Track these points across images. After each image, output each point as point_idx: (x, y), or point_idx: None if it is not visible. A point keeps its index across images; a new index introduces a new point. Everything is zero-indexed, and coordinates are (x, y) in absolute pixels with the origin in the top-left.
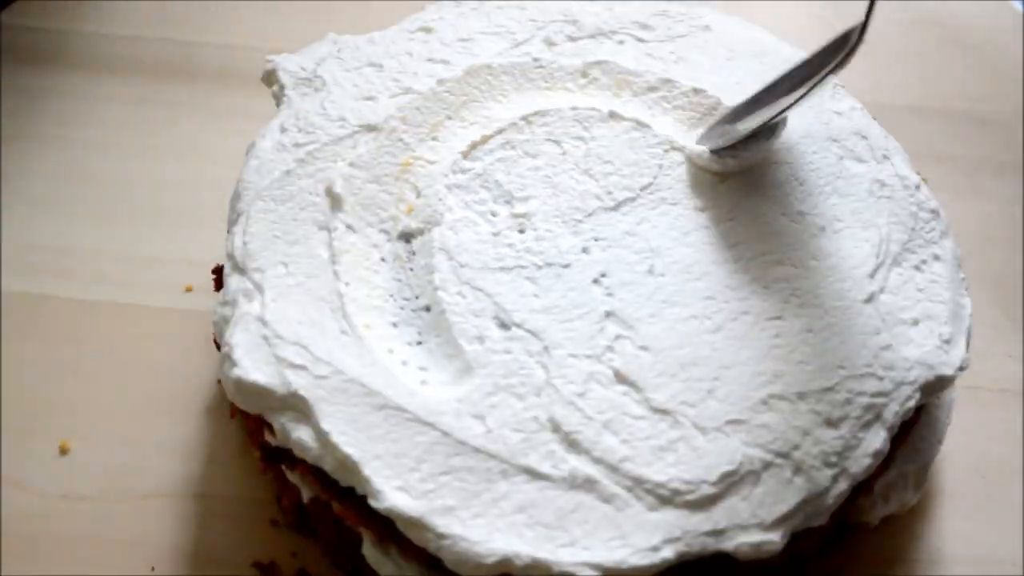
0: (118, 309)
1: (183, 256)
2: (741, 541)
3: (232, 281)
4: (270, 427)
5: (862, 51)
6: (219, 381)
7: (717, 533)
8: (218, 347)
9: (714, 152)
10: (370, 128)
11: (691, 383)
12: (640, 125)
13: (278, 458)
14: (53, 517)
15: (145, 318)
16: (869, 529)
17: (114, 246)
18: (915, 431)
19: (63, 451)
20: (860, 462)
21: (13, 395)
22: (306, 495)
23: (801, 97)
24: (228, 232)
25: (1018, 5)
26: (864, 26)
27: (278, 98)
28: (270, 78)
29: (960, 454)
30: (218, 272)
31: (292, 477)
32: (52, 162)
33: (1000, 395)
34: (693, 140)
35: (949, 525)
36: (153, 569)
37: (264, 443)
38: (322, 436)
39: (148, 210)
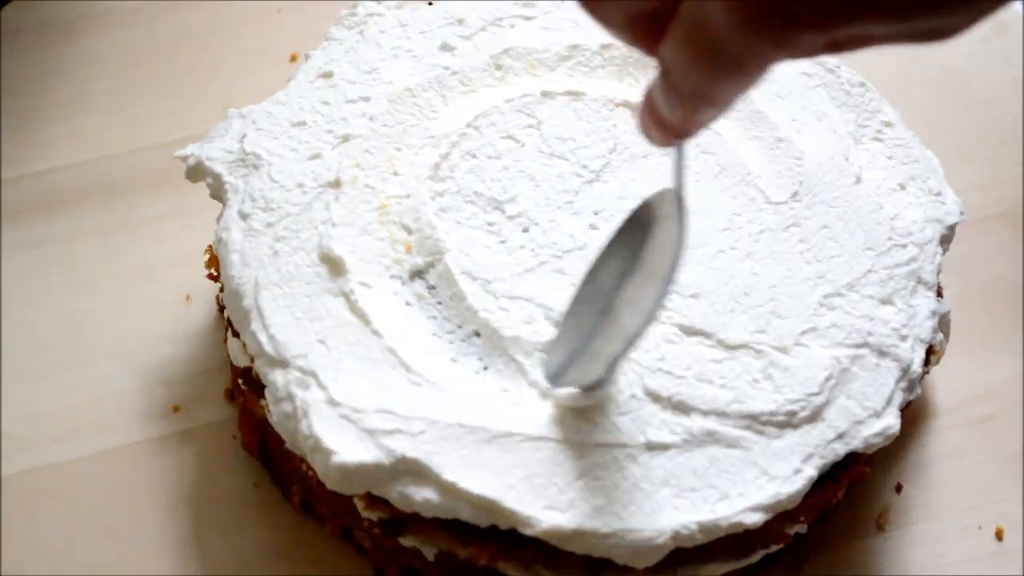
0: (122, 453)
1: (157, 379)
2: (865, 435)
3: (277, 377)
4: (379, 501)
5: None
6: (255, 484)
7: (842, 436)
8: (249, 452)
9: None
10: (332, 184)
11: (752, 311)
12: (574, 95)
13: (398, 528)
14: None
15: (152, 453)
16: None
17: (79, 396)
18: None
19: None
20: (924, 326)
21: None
22: (430, 554)
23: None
24: (240, 333)
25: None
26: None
27: (216, 188)
28: (196, 172)
29: None
30: (245, 377)
31: (408, 542)
32: None
33: None
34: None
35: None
36: None
37: (382, 519)
38: (449, 488)
39: (91, 348)
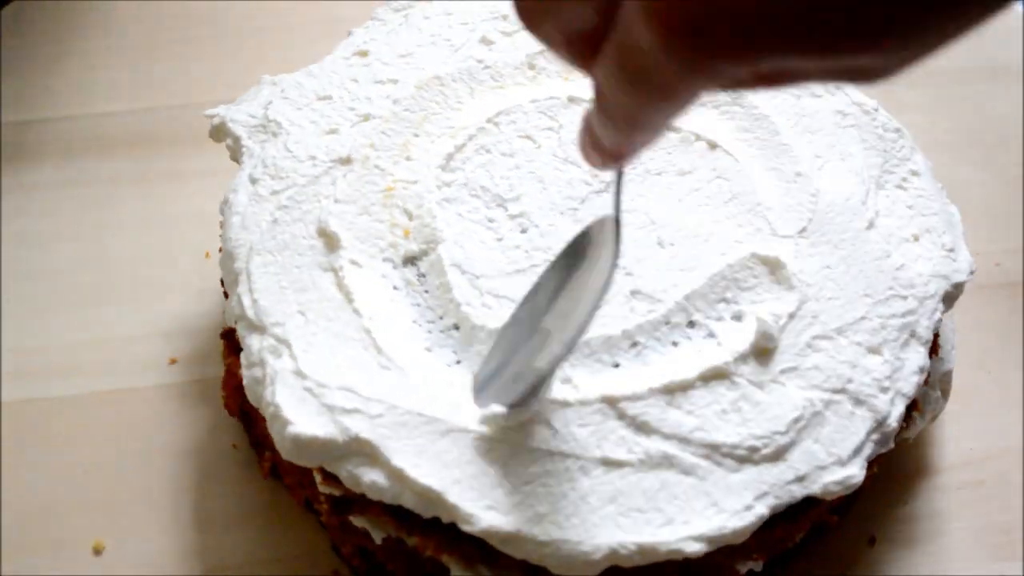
0: (110, 397)
1: (156, 330)
2: (825, 481)
3: (253, 342)
4: (333, 478)
5: None
6: (234, 445)
7: (801, 479)
8: (230, 412)
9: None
10: (343, 161)
11: None
12: None
13: (347, 507)
14: None
15: (140, 400)
16: (907, 446)
17: (85, 335)
18: (938, 340)
19: (96, 551)
20: (909, 381)
21: (33, 503)
22: (378, 537)
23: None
24: (229, 294)
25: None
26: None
27: (235, 150)
28: (219, 132)
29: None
30: (228, 336)
31: (359, 522)
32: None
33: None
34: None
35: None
36: None
37: (330, 495)
38: (397, 474)
39: (107, 291)
